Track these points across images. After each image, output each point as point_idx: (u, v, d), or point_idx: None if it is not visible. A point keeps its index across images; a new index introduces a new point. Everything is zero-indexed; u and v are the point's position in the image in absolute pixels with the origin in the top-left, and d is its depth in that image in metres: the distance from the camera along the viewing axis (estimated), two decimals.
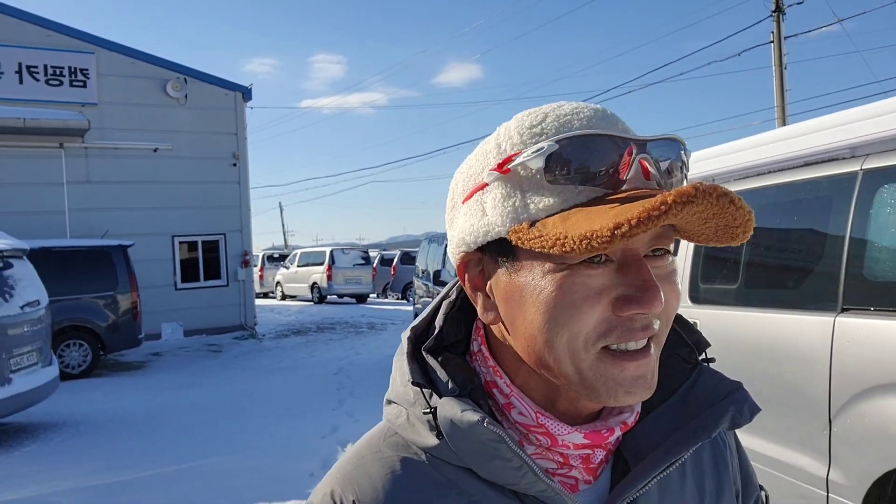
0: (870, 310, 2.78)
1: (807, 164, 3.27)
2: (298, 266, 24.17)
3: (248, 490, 5.04)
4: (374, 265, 24.14)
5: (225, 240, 14.76)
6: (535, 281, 0.63)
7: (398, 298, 24.20)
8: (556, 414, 0.68)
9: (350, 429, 6.65)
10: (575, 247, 0.57)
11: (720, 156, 3.99)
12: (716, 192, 0.55)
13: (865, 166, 2.92)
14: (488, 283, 0.68)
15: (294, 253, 26.03)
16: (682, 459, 0.71)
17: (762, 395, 2.99)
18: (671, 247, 0.65)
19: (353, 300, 23.30)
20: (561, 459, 0.69)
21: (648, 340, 0.63)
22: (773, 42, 18.18)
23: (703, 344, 0.78)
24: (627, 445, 0.72)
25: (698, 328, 0.75)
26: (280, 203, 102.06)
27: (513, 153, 0.64)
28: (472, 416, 0.64)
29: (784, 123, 17.84)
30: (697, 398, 0.74)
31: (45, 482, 5.41)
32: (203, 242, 14.56)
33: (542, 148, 0.61)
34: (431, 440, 0.68)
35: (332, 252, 22.82)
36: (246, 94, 15.16)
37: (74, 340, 10.37)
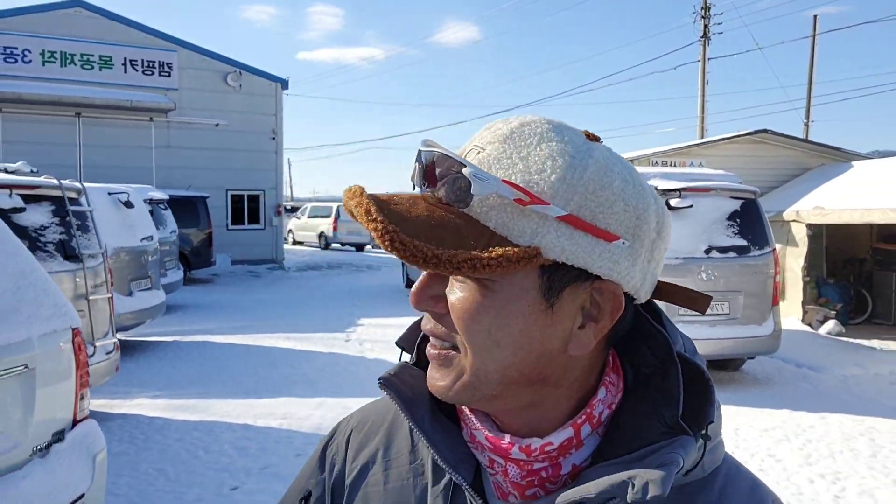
0: None
1: None
2: (309, 217, 29.04)
3: (294, 342, 9.96)
4: None
5: (264, 194, 19.58)
6: None
7: None
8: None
9: (360, 312, 11.59)
10: None
11: None
12: (350, 195, 0.61)
13: None
14: None
15: (304, 206, 30.89)
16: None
17: None
18: (451, 278, 0.66)
19: (353, 248, 28.19)
20: (488, 460, 0.70)
21: (447, 349, 0.66)
22: (700, 61, 22.68)
23: (703, 417, 0.64)
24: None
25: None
26: (289, 159, 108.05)
27: None
28: (383, 373, 0.74)
29: (703, 130, 22.48)
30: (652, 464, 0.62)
31: (207, 323, 10.35)
32: (248, 196, 19.39)
33: None
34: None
35: (338, 207, 27.70)
36: (284, 84, 19.80)
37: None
